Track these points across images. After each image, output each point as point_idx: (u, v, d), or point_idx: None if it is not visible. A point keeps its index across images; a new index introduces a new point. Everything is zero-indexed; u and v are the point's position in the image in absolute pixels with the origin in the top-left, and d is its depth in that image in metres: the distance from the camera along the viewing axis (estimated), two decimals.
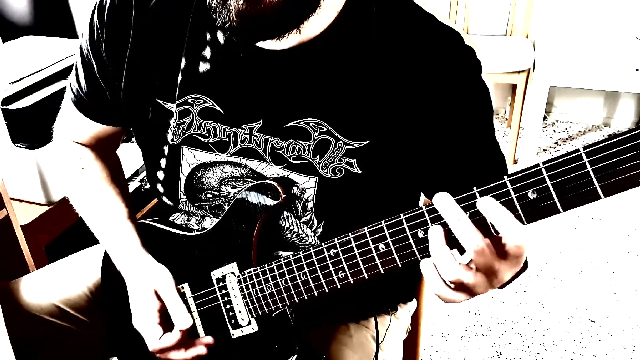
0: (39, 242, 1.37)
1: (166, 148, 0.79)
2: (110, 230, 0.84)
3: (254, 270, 0.73)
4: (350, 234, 0.62)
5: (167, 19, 0.76)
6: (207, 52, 0.74)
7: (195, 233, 0.81)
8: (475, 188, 0.53)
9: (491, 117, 0.73)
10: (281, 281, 0.70)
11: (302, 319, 0.76)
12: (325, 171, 0.72)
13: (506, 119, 2.89)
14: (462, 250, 0.55)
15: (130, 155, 1.51)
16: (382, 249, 0.60)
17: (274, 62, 0.71)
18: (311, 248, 0.66)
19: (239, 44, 0.70)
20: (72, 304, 0.90)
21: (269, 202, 0.73)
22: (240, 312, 0.76)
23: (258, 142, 0.74)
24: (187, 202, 0.81)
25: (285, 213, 0.75)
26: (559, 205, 0.49)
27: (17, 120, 1.31)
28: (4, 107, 1.29)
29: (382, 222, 0.60)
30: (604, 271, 1.90)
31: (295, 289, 0.69)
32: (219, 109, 0.75)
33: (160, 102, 0.77)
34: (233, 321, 0.77)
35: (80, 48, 0.82)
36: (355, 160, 0.71)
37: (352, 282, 0.64)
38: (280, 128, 0.72)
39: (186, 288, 0.80)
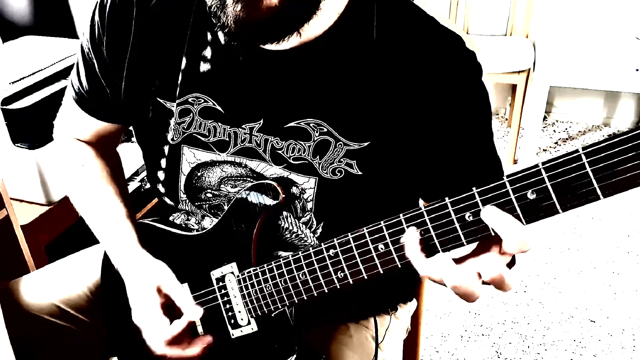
0: (39, 242, 1.37)
1: (166, 148, 0.79)
2: (108, 228, 0.84)
3: (254, 270, 0.73)
4: (349, 234, 0.62)
5: (168, 18, 0.76)
6: (208, 52, 0.74)
7: (194, 233, 0.82)
8: (474, 188, 0.53)
9: (490, 121, 0.73)
10: (280, 281, 0.70)
11: (302, 319, 0.76)
12: (325, 172, 0.72)
13: (506, 119, 2.89)
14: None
15: (130, 155, 1.52)
16: (382, 249, 0.60)
17: (274, 62, 0.71)
18: (310, 248, 0.66)
19: (239, 47, 0.70)
20: (72, 304, 0.90)
21: (269, 202, 0.73)
22: (239, 312, 0.76)
23: (258, 142, 0.74)
24: (187, 201, 0.82)
25: (284, 213, 0.75)
26: (558, 205, 0.49)
27: (17, 120, 1.31)
28: (4, 107, 1.29)
29: (382, 222, 0.59)
30: (604, 271, 1.90)
31: (294, 289, 0.69)
32: (219, 108, 0.75)
33: (161, 101, 0.78)
34: (232, 321, 0.77)
35: (82, 46, 0.83)
36: (355, 161, 0.71)
37: (351, 282, 0.64)
38: (280, 128, 0.72)
39: (186, 288, 0.80)
